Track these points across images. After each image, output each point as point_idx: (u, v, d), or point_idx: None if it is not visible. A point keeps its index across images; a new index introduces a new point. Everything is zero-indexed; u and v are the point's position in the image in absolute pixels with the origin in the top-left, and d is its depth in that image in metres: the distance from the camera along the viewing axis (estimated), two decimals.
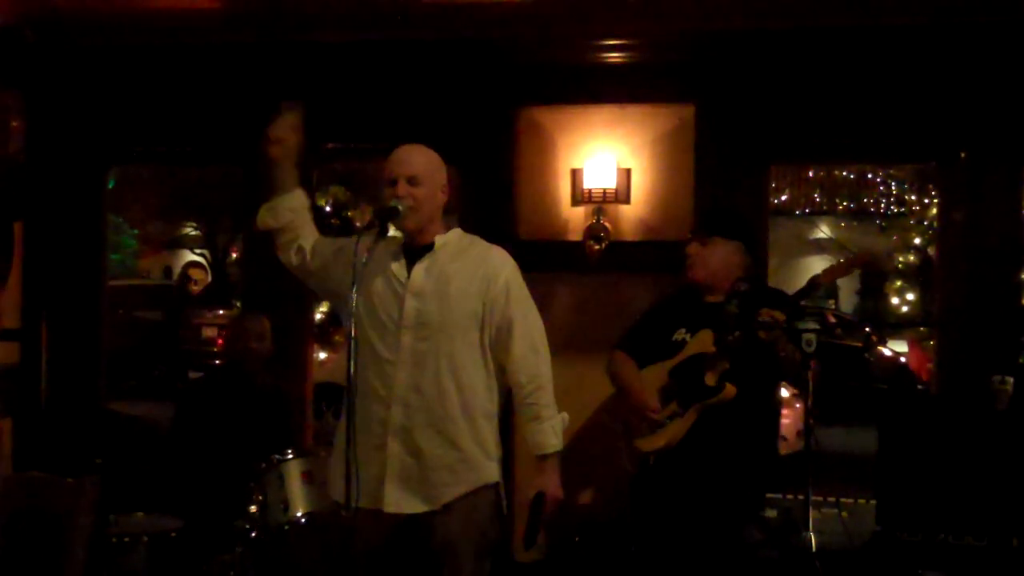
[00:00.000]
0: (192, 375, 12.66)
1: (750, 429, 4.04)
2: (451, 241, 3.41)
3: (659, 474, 4.03)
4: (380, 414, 3.27)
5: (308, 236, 3.51)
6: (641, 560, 4.12)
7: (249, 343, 5.10)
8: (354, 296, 3.09)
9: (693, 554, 3.96)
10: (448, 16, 5.38)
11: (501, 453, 3.42)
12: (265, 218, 3.51)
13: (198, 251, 23.68)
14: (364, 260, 3.19)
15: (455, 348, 3.28)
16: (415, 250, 3.36)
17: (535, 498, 3.30)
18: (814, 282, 3.96)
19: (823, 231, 21.97)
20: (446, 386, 3.27)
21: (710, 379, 3.95)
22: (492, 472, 3.36)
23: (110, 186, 6.93)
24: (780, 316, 3.81)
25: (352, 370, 3.08)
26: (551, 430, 3.32)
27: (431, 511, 3.27)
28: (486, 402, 3.36)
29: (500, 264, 3.40)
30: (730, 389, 3.92)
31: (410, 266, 3.34)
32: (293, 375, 6.06)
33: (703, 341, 4.02)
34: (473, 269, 3.36)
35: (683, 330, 4.12)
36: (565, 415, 3.39)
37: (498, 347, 3.36)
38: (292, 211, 3.49)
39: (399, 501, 3.26)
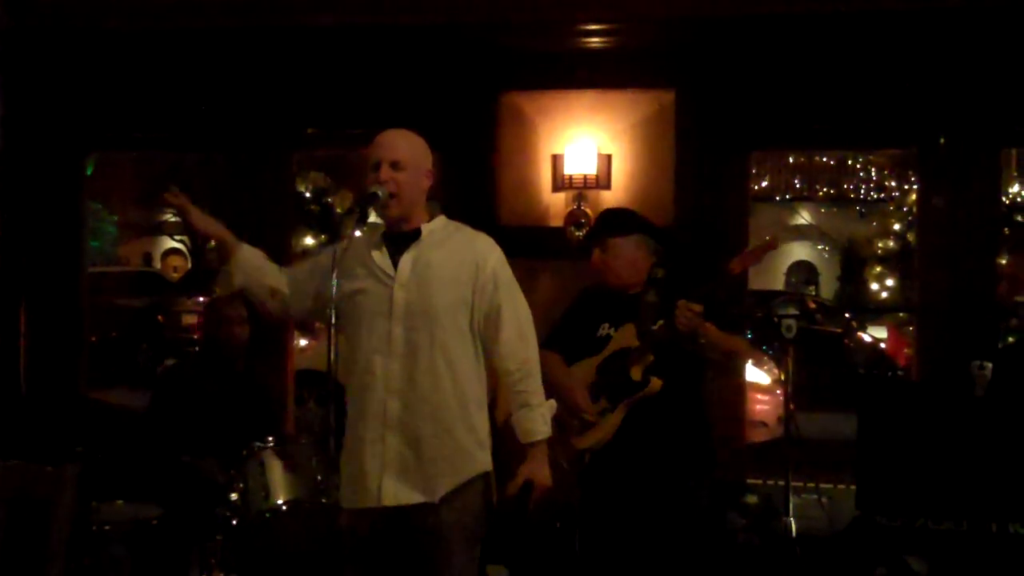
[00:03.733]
0: (168, 362, 12.57)
1: (681, 419, 3.96)
2: (437, 228, 3.37)
3: (595, 471, 3.97)
4: (376, 408, 3.23)
5: (280, 285, 3.45)
6: (589, 554, 4.05)
7: (232, 328, 4.98)
8: (334, 285, 3.07)
9: (646, 550, 3.89)
10: (430, 1, 5.37)
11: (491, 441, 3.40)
12: (222, 284, 3.49)
13: (177, 238, 23.57)
14: (344, 246, 3.18)
15: (447, 337, 3.25)
16: (399, 237, 3.32)
17: (523, 486, 3.28)
18: (725, 272, 3.88)
19: (803, 217, 22.03)
20: (441, 376, 3.24)
21: (635, 373, 3.89)
22: (484, 461, 3.34)
23: (88, 172, 6.89)
24: (697, 308, 3.72)
25: (333, 362, 3.05)
26: (540, 417, 3.30)
27: (424, 502, 3.24)
28: (477, 390, 3.34)
29: (487, 251, 3.37)
30: (655, 383, 3.85)
31: (393, 254, 3.30)
32: (274, 362, 6.05)
33: (627, 335, 3.95)
34: (460, 256, 3.33)
35: (607, 324, 4.03)
36: (553, 402, 3.37)
37: (486, 334, 3.33)
38: (244, 273, 3.42)
39: (397, 494, 3.22)
